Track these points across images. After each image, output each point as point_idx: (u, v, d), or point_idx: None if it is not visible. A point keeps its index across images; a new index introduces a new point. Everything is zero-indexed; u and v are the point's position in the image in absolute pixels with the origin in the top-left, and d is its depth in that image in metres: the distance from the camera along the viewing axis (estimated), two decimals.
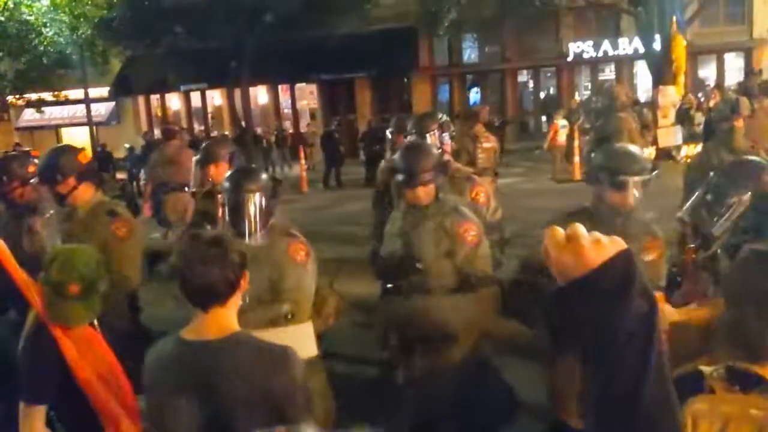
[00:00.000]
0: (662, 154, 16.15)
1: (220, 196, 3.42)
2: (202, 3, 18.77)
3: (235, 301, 2.24)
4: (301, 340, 3.07)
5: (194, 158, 4.68)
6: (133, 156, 19.84)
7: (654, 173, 3.20)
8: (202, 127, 27.72)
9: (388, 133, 5.39)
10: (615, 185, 3.11)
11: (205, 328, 2.20)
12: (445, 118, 4.69)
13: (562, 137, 16.05)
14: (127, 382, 2.79)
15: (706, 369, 1.69)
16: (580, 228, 1.03)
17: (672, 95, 17.34)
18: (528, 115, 25.47)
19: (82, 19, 20.78)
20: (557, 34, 23.32)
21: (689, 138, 16.33)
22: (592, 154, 6.96)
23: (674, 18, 17.32)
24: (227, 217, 3.28)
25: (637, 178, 3.10)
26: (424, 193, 3.46)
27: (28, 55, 22.32)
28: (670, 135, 16.24)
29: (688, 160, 8.46)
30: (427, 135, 4.39)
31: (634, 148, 3.34)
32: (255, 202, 3.22)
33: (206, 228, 4.11)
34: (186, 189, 7.37)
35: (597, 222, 3.05)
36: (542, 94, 25.21)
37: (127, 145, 21.53)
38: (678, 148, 16.59)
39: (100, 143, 22.71)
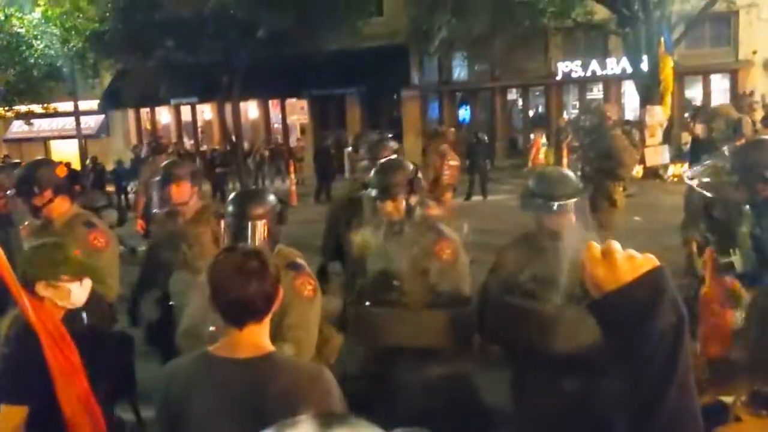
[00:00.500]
0: (650, 173, 16.34)
1: (223, 220, 3.18)
2: (194, 17, 18.82)
3: (269, 320, 2.13)
4: None
5: (155, 179, 4.51)
6: (121, 169, 19.78)
7: (584, 194, 3.25)
8: (192, 141, 27.71)
9: (346, 152, 5.57)
10: (547, 210, 3.13)
11: (239, 346, 2.06)
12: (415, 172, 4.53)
13: (542, 154, 16.37)
14: (89, 391, 2.73)
15: (728, 399, 1.68)
16: (615, 244, 1.11)
17: (659, 115, 17.56)
18: (517, 132, 25.65)
19: (73, 32, 20.76)
20: (546, 54, 23.55)
21: (676, 157, 16.52)
22: (578, 173, 7.02)
23: (662, 39, 17.57)
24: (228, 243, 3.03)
25: (568, 201, 3.10)
26: (394, 207, 3.42)
27: (18, 67, 22.26)
28: (658, 154, 16.44)
29: (675, 179, 8.53)
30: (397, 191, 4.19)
31: (564, 171, 3.42)
32: (259, 229, 3.03)
33: (165, 250, 4.05)
34: None
35: (535, 248, 3.22)
36: (531, 113, 25.41)
37: (115, 159, 21.49)
38: (665, 167, 16.78)
39: (91, 156, 22.63)
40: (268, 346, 2.11)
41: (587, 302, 1.14)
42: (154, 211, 4.69)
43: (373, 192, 3.48)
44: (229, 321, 2.07)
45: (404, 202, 3.43)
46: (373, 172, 3.62)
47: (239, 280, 2.02)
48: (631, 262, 1.08)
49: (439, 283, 3.38)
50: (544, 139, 16.59)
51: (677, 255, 5.23)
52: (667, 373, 1.06)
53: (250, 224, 3.02)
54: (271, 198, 3.20)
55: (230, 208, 3.10)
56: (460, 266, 3.44)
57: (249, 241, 2.98)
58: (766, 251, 3.45)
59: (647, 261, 1.09)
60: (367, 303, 3.52)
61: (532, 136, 22.98)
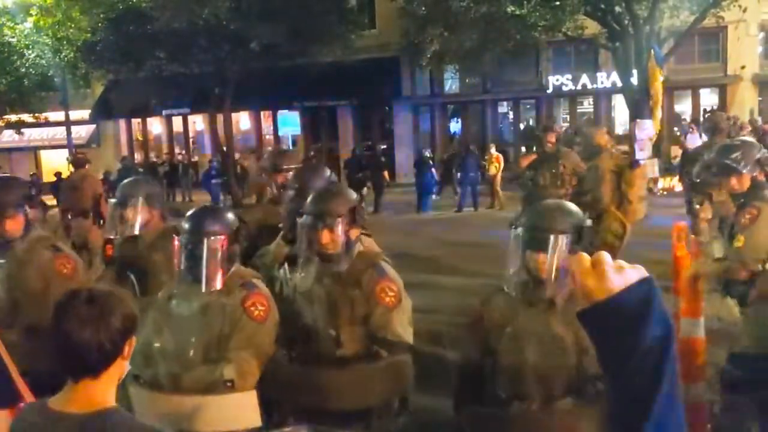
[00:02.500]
0: None
1: (176, 236, 3.06)
2: (186, 28, 18.84)
3: (113, 374, 1.87)
4: (241, 410, 2.81)
5: (111, 200, 4.25)
6: (108, 180, 19.71)
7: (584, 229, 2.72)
8: (183, 152, 27.68)
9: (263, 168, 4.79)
10: (533, 246, 2.65)
11: (73, 400, 1.85)
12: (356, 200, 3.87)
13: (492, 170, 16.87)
14: None
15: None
16: (605, 255, 1.13)
17: (649, 129, 17.65)
18: (508, 145, 25.75)
19: (65, 42, 20.73)
20: (537, 67, 23.70)
21: (666, 171, 16.61)
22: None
23: (652, 53, 17.71)
24: (182, 262, 2.96)
25: (561, 237, 2.57)
26: (330, 237, 2.97)
27: (10, 76, 22.20)
28: (647, 168, 16.50)
29: (665, 193, 8.52)
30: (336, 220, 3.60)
31: (562, 203, 3.01)
32: (214, 246, 2.91)
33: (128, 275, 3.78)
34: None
35: (521, 303, 2.75)
36: (522, 125, 25.53)
37: (104, 170, 21.42)
38: (655, 180, 16.87)
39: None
40: (106, 402, 1.87)
41: (577, 311, 1.16)
42: (108, 236, 4.18)
43: (308, 219, 3.03)
44: (64, 371, 1.87)
45: (342, 235, 3.00)
46: (310, 197, 3.17)
47: (75, 330, 1.79)
48: (621, 273, 1.10)
49: (380, 329, 2.97)
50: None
51: (665, 268, 5.27)
52: (654, 385, 1.07)
53: (205, 242, 2.91)
54: (229, 216, 3.10)
55: (185, 225, 3.03)
56: (402, 311, 3.02)
57: (203, 260, 2.88)
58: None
59: (636, 271, 1.11)
60: (292, 354, 3.09)
61: (523, 149, 23.12)
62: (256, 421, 2.82)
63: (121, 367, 1.89)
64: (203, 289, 2.90)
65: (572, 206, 2.83)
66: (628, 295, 1.08)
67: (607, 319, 1.10)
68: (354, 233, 3.09)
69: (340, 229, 3.00)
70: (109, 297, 1.88)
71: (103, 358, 1.83)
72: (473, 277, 8.97)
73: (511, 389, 2.71)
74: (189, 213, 3.14)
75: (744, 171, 3.74)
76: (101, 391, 1.87)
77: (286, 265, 3.26)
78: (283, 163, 4.58)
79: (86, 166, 10.35)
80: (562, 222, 2.65)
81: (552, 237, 2.55)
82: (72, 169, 10.51)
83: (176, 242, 3.04)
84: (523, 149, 20.83)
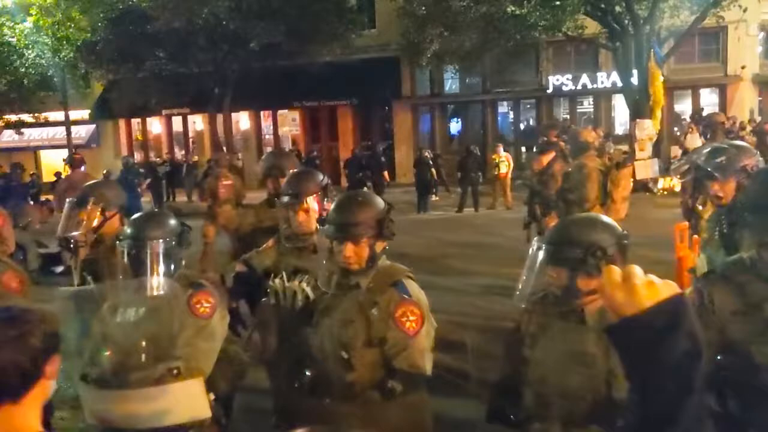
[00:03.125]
0: (639, 187, 16.42)
1: (119, 242, 3.00)
2: (186, 28, 18.85)
3: (36, 397, 1.74)
4: (187, 398, 2.73)
5: (68, 200, 4.11)
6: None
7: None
8: (183, 152, 27.67)
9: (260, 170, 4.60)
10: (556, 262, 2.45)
11: None
12: (326, 180, 3.85)
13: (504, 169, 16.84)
14: None
15: None
16: (636, 269, 1.11)
17: (649, 129, 17.68)
18: (508, 145, 25.71)
19: (64, 42, 20.76)
20: (537, 67, 23.69)
21: (665, 171, 16.62)
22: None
23: (652, 53, 17.72)
24: (128, 267, 2.93)
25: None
26: (354, 251, 2.76)
27: (9, 76, 22.20)
28: (647, 168, 16.52)
29: (665, 193, 8.49)
30: (307, 198, 3.52)
31: (596, 218, 2.71)
32: (156, 251, 2.89)
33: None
34: None
35: (548, 318, 2.57)
36: (522, 125, 25.52)
37: (104, 169, 21.39)
38: (655, 180, 16.89)
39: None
40: (29, 428, 1.74)
41: (605, 327, 1.15)
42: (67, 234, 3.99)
43: (330, 230, 2.83)
44: None
45: (368, 248, 2.78)
46: (333, 205, 2.98)
47: None
48: (651, 288, 1.08)
49: (396, 358, 2.73)
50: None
51: (667, 268, 5.26)
52: (679, 403, 1.06)
53: (145, 245, 2.88)
54: (171, 221, 3.07)
55: (128, 230, 3.00)
56: (423, 338, 2.77)
57: (144, 261, 2.85)
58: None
59: (667, 287, 1.09)
60: (299, 379, 2.85)
61: (523, 148, 23.15)
62: (205, 410, 2.75)
63: (45, 388, 1.76)
64: (148, 293, 2.86)
65: (604, 221, 2.60)
66: (657, 312, 1.07)
67: (635, 334, 1.08)
68: (380, 246, 2.85)
69: (365, 242, 2.78)
70: (28, 315, 1.75)
71: (23, 380, 1.70)
72: (473, 277, 8.97)
73: (534, 408, 2.53)
74: (131, 218, 3.15)
75: (725, 177, 3.47)
76: (23, 416, 1.73)
77: (284, 275, 3.04)
78: (283, 165, 4.49)
79: (82, 167, 10.71)
80: (587, 236, 2.45)
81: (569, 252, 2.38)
82: (69, 169, 10.67)
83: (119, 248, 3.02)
84: (524, 149, 20.89)
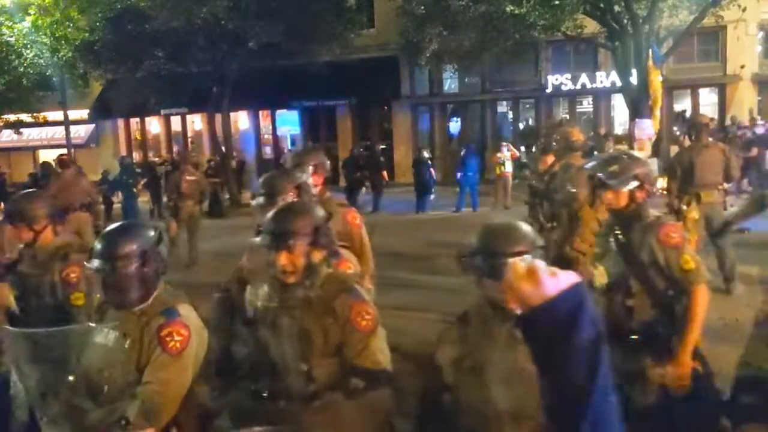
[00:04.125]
0: None
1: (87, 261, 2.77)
2: (185, 28, 18.82)
3: None
4: None
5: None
6: (108, 180, 19.65)
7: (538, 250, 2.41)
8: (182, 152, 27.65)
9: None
10: (493, 272, 2.27)
11: None
12: (305, 177, 3.83)
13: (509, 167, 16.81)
14: None
15: None
16: (539, 262, 1.21)
17: (648, 128, 17.65)
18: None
19: (63, 42, 20.72)
20: (536, 67, 23.67)
21: (665, 170, 16.55)
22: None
23: (651, 52, 17.69)
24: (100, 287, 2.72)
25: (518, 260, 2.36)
26: (288, 259, 2.64)
27: (8, 76, 22.17)
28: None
29: (664, 192, 8.48)
30: (282, 197, 3.45)
31: (515, 223, 2.56)
32: (125, 271, 2.63)
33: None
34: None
35: (480, 332, 2.46)
36: (521, 125, 25.51)
37: (103, 169, 21.39)
38: (654, 180, 16.85)
39: (79, 166, 22.54)
40: None
41: (515, 316, 1.21)
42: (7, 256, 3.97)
43: (265, 239, 2.70)
44: None
45: (303, 257, 2.67)
46: (270, 214, 2.84)
47: None
48: (554, 278, 1.17)
49: (357, 358, 2.66)
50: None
51: None
52: (590, 379, 1.15)
53: (117, 266, 2.63)
54: (145, 233, 2.75)
55: (98, 246, 2.70)
56: (379, 337, 2.73)
57: (114, 283, 2.63)
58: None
59: (568, 276, 1.18)
60: (258, 389, 2.76)
61: (522, 148, 23.13)
62: None
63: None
64: (119, 316, 2.66)
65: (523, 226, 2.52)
66: (563, 299, 1.16)
67: (544, 321, 1.16)
68: (317, 256, 2.72)
69: (300, 250, 2.65)
70: None
71: None
72: (471, 277, 8.95)
73: None
74: (101, 233, 2.82)
75: (617, 187, 3.47)
76: None
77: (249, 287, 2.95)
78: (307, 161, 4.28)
79: (71, 167, 11.05)
80: (516, 244, 2.36)
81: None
82: (59, 169, 11.01)
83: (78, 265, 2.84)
84: (523, 149, 20.86)
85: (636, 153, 4.05)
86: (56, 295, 3.75)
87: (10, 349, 2.71)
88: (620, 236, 3.54)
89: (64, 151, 24.15)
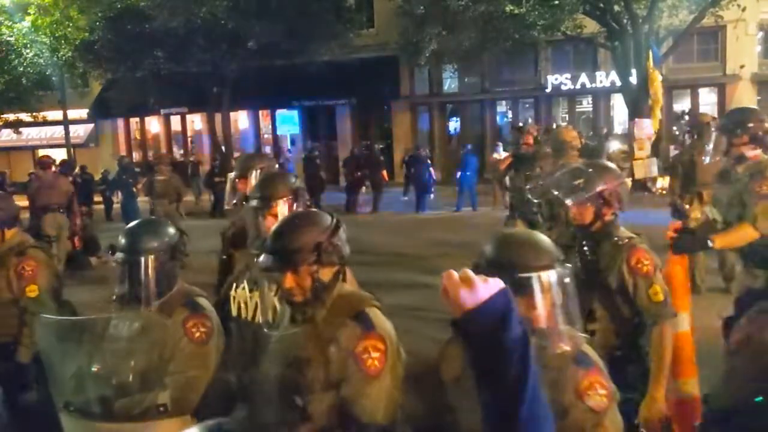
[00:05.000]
0: (638, 186, 16.42)
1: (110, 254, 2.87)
2: (184, 27, 18.82)
3: None
4: None
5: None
6: (107, 180, 19.64)
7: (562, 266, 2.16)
8: (182, 151, 27.65)
9: (230, 176, 4.22)
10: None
11: None
12: (298, 183, 3.45)
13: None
14: None
15: None
16: (469, 271, 1.32)
17: (648, 128, 17.67)
18: (507, 145, 25.68)
19: (62, 41, 20.72)
20: (536, 66, 23.67)
21: (664, 170, 16.59)
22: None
23: (650, 52, 17.71)
24: (121, 280, 2.78)
25: (543, 274, 2.06)
26: (294, 281, 2.37)
27: (7, 75, 22.18)
28: (646, 167, 16.52)
29: (663, 192, 8.47)
30: (276, 202, 3.17)
31: (534, 235, 2.30)
32: (149, 264, 2.74)
33: None
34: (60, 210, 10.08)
35: None
36: (520, 125, 25.49)
37: (103, 168, 21.39)
38: (653, 180, 16.87)
39: (80, 165, 22.54)
40: None
41: (451, 321, 1.31)
42: None
43: (266, 259, 2.41)
44: None
45: (309, 277, 2.37)
46: (272, 231, 2.54)
47: None
48: (486, 284, 1.29)
49: (352, 403, 2.28)
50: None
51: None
52: (522, 376, 1.25)
53: (141, 260, 2.72)
54: (167, 230, 2.88)
55: (122, 241, 2.80)
56: (386, 378, 2.31)
57: (137, 277, 2.71)
58: None
59: (496, 282, 1.31)
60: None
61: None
62: None
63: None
64: (142, 310, 2.75)
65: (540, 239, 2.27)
66: (494, 302, 1.28)
67: (479, 323, 1.27)
68: (326, 274, 2.41)
69: (305, 270, 2.36)
70: None
71: None
72: None
73: None
74: (125, 228, 2.92)
75: (575, 203, 3.22)
76: None
77: (245, 284, 2.86)
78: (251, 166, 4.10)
79: (52, 168, 11.22)
80: (541, 258, 2.13)
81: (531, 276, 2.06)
82: (39, 170, 11.19)
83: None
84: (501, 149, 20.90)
85: (610, 164, 3.67)
86: (13, 290, 3.88)
87: (42, 337, 2.81)
88: (587, 253, 3.27)
89: (64, 150, 24.21)
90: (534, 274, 2.05)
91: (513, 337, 1.26)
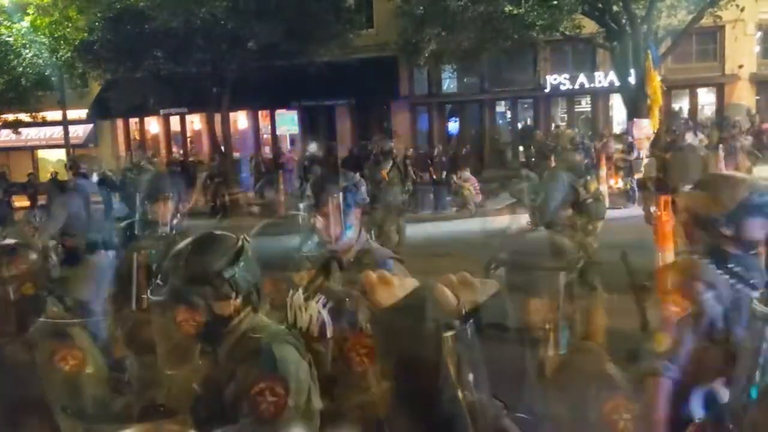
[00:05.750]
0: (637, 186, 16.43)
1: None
2: (184, 28, 18.82)
3: None
4: None
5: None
6: (107, 180, 19.59)
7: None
8: (181, 152, 27.65)
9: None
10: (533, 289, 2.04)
11: None
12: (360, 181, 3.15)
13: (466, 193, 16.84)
14: None
15: None
16: (386, 273, 1.33)
17: (647, 128, 17.68)
18: (505, 145, 25.73)
19: (62, 42, 20.71)
20: (535, 67, 23.69)
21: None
22: None
23: (649, 53, 17.73)
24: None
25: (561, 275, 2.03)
26: (187, 315, 2.18)
27: (7, 75, 22.16)
28: (646, 167, 16.51)
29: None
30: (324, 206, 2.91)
31: (557, 237, 2.26)
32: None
33: None
34: None
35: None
36: (519, 125, 25.53)
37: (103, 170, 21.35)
38: (652, 179, 16.86)
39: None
40: None
41: (369, 318, 1.33)
42: None
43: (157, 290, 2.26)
44: None
45: (204, 312, 2.23)
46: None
47: None
48: (402, 283, 1.33)
49: None
50: None
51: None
52: (437, 371, 1.25)
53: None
54: (30, 256, 2.70)
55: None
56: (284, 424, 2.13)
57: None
58: None
59: (413, 281, 1.35)
60: None
61: (521, 148, 23.12)
62: None
63: None
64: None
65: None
66: (411, 299, 1.29)
67: (396, 320, 1.28)
68: (226, 307, 2.21)
69: (195, 303, 2.18)
70: None
71: None
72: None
73: None
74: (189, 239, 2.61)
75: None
76: None
77: (300, 292, 2.69)
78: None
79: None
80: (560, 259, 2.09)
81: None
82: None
83: None
84: (521, 149, 20.93)
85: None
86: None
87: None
88: None
89: (63, 151, 24.21)
90: (549, 274, 2.02)
91: (429, 332, 1.28)
